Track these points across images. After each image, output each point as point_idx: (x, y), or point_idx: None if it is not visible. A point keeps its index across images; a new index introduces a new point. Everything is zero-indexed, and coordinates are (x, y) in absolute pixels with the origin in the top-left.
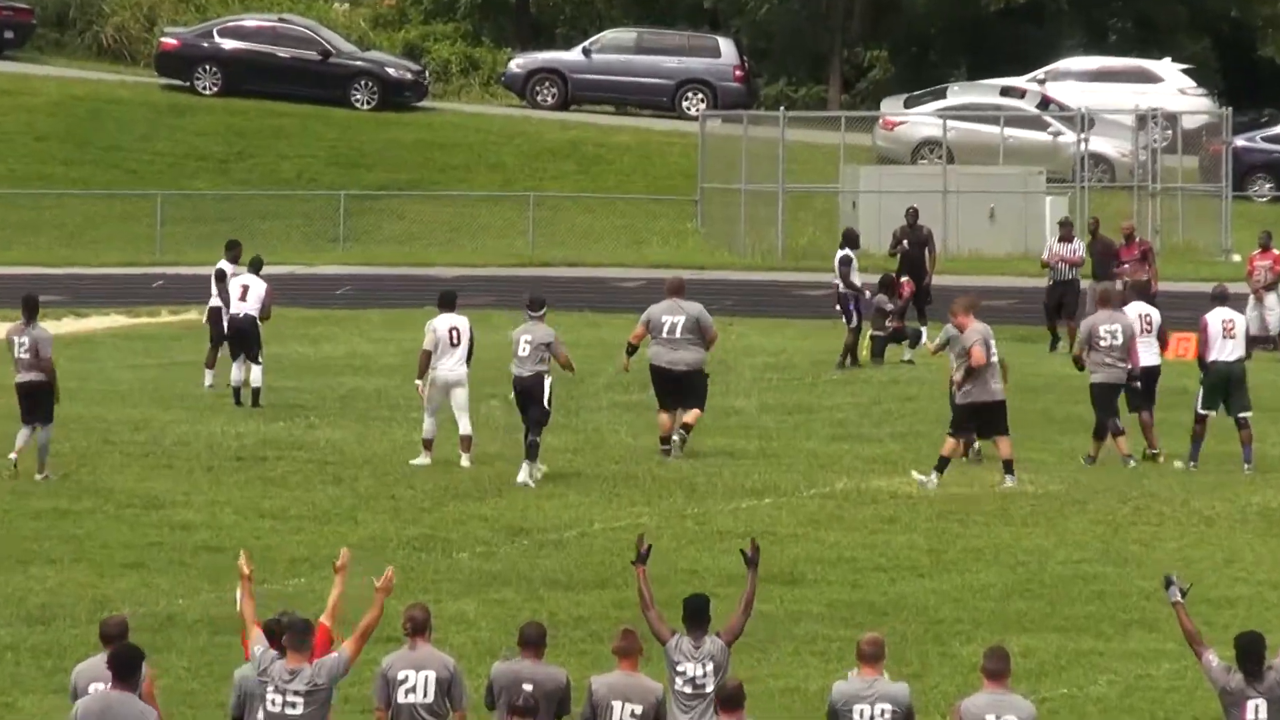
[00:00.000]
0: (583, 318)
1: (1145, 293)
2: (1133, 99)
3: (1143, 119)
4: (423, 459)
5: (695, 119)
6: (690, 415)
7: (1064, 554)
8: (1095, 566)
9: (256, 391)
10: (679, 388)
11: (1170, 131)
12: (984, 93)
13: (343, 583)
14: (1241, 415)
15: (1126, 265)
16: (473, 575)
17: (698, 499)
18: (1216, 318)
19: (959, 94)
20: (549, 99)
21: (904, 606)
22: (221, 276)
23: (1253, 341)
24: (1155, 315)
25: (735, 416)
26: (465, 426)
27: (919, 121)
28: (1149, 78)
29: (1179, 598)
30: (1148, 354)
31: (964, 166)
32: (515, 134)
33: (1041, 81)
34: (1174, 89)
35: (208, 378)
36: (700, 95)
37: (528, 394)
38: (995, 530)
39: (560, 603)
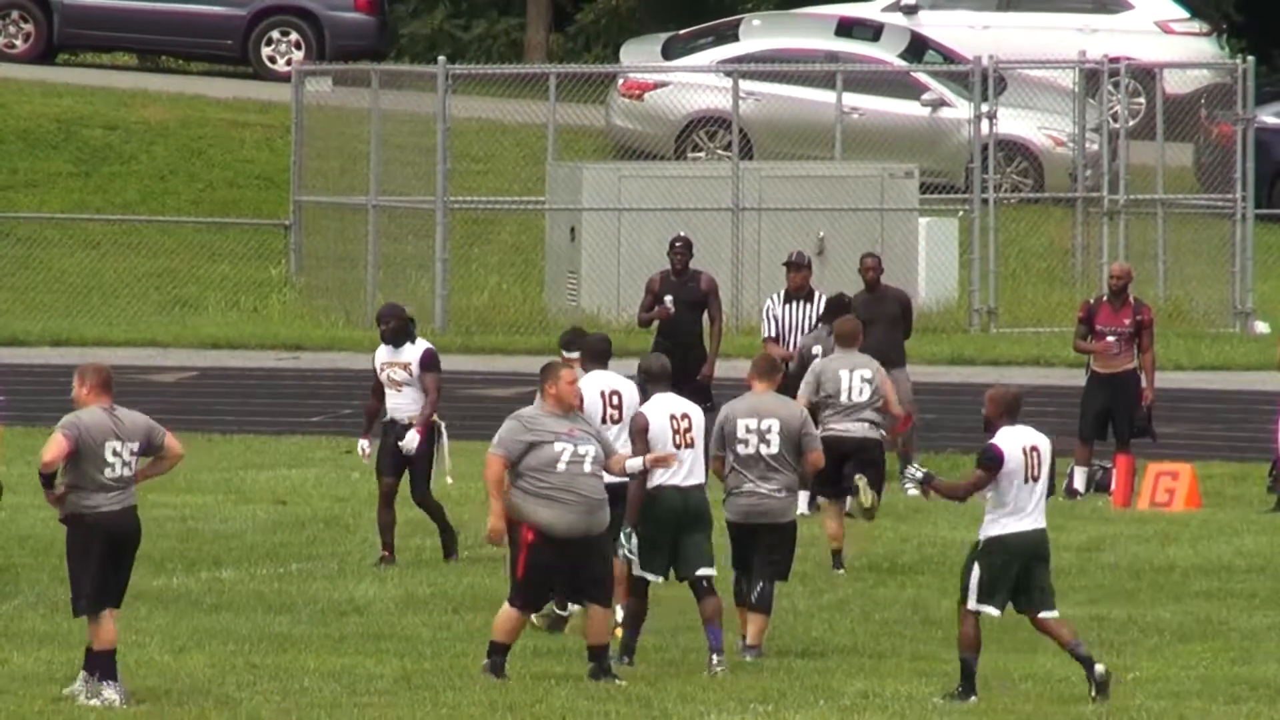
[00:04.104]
0: None
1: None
2: (1075, 41)
3: (1093, 77)
4: None
5: (286, 78)
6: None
7: None
8: None
9: None
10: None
11: (1143, 100)
12: (804, 31)
13: None
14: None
15: (1111, 339)
16: None
17: None
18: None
19: (760, 33)
20: (20, 43)
21: None
22: None
23: None
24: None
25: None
26: None
27: (689, 82)
28: (1105, 3)
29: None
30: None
31: (772, 163)
32: None
33: (910, 9)
34: (1149, 21)
35: None
36: (293, 35)
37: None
38: None
39: None
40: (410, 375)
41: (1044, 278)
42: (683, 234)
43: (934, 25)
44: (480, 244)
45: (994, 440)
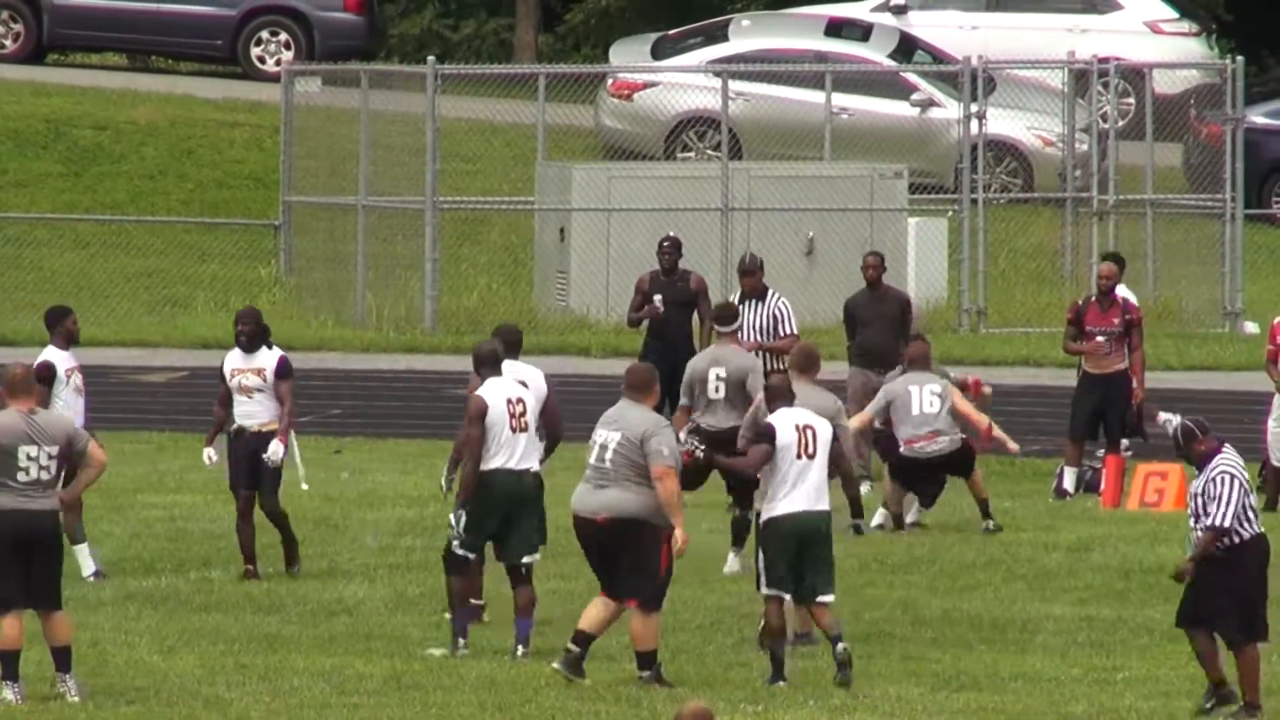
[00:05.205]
0: None
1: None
2: (1064, 41)
3: (1082, 78)
4: None
5: (275, 78)
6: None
7: None
8: None
9: None
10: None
11: (1133, 101)
12: (793, 31)
13: None
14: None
15: (1101, 339)
16: None
17: None
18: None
19: (749, 33)
20: (9, 43)
21: None
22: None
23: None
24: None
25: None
26: None
27: (678, 82)
28: (1095, 3)
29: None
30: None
31: (761, 163)
32: None
33: (899, 10)
34: (1138, 22)
35: None
36: (283, 35)
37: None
38: None
39: None
40: (264, 381)
41: (1033, 278)
42: (671, 234)
43: (923, 25)
44: (470, 244)
45: (769, 418)
